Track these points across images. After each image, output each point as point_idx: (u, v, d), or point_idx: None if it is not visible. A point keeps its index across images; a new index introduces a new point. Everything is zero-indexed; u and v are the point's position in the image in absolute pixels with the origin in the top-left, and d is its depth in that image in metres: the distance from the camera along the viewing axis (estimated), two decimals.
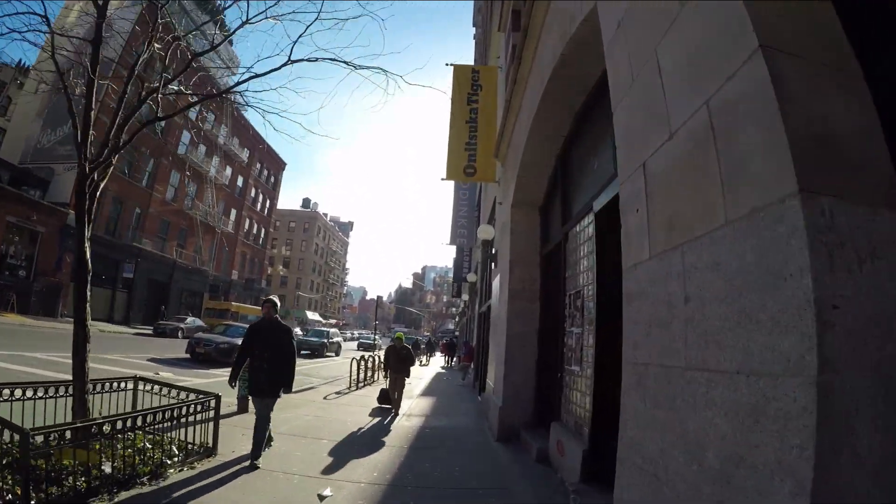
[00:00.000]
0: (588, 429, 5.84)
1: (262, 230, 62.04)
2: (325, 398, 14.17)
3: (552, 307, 9.02)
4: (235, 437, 8.33)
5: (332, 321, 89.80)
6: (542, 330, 9.37)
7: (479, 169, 13.19)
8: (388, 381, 13.01)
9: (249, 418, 9.15)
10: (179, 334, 31.31)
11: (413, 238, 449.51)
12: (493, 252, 12.55)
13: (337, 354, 33.48)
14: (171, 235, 44.46)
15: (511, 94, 9.46)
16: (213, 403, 7.36)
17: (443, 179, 13.17)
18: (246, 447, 7.44)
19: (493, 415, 9.87)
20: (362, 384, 17.64)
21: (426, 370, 30.73)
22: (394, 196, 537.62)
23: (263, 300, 7.69)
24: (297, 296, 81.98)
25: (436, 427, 10.93)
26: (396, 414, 12.00)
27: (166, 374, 15.26)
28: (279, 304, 7.81)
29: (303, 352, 31.55)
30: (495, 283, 12.44)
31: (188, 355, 20.18)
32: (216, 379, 15.44)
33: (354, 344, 55.08)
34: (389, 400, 12.67)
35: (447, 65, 14.47)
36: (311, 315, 75.74)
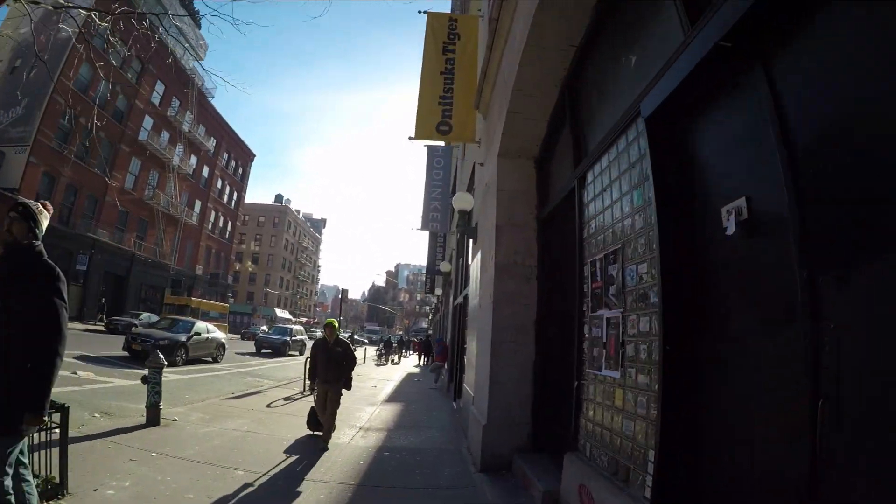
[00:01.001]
0: (652, 476, 3.33)
1: (229, 223, 58.69)
2: (269, 405, 11.54)
3: (558, 286, 6.58)
4: (116, 464, 5.77)
5: (304, 319, 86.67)
6: (543, 319, 6.87)
7: (455, 126, 10.66)
8: (314, 396, 8.69)
9: (157, 434, 7.67)
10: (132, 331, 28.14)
11: (387, 235, 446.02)
12: (474, 226, 10.05)
13: (301, 353, 30.69)
14: (129, 226, 41.21)
15: (500, 9, 6.97)
16: (57, 419, 4.75)
17: (410, 139, 10.61)
18: (125, 481, 5.15)
19: (475, 435, 7.28)
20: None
21: (396, 370, 28.13)
22: (368, 194, 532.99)
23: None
24: (265, 293, 78.62)
25: (399, 448, 8.29)
26: (325, 447, 7.77)
27: (85, 374, 12.63)
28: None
29: (263, 350, 28.97)
30: (474, 264, 9.92)
31: (126, 353, 17.40)
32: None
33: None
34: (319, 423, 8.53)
35: (420, 12, 11.94)
36: (281, 313, 72.44)
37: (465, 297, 12.96)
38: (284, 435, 8.51)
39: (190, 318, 21.07)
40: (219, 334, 21.18)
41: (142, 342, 17.26)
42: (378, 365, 33.66)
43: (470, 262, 11.29)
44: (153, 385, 8.50)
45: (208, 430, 8.46)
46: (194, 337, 18.71)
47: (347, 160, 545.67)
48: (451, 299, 18.04)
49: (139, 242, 42.13)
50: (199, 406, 10.73)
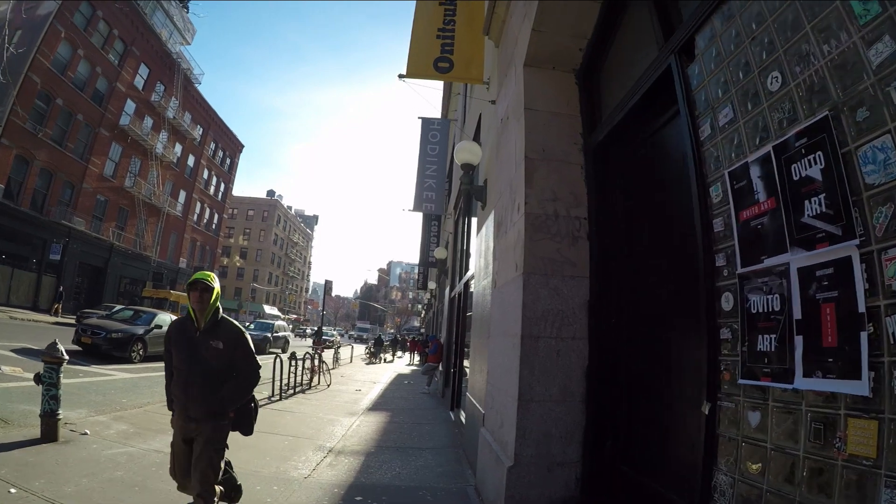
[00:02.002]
0: None
1: (216, 216, 55.83)
2: None
3: (625, 246, 4.32)
4: None
5: (293, 316, 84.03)
6: (601, 299, 4.48)
7: (457, 64, 8.33)
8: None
9: (44, 455, 5.49)
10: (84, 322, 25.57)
11: (379, 232, 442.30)
12: (482, 184, 7.65)
13: (284, 351, 28.27)
14: (108, 215, 38.55)
15: None
16: None
17: (401, 77, 8.25)
18: None
19: (494, 479, 4.76)
20: (292, 391, 12.67)
21: (386, 371, 25.67)
22: (360, 190, 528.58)
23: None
24: (253, 288, 75.81)
25: (378, 488, 5.79)
26: None
27: (10, 370, 10.27)
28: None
29: None
30: (480, 235, 7.51)
31: (78, 347, 14.93)
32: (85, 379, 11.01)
33: (310, 341, 50.26)
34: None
35: None
36: (269, 309, 69.65)
37: (466, 286, 10.60)
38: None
39: (153, 310, 18.52)
40: None
41: (92, 335, 14.81)
42: (369, 364, 31.32)
43: (474, 235, 8.91)
44: (48, 387, 6.18)
45: (120, 451, 6.11)
46: (155, 330, 16.18)
47: (339, 157, 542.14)
48: (447, 291, 15.65)
49: (119, 233, 39.47)
50: (131, 415, 8.35)
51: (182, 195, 47.96)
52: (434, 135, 17.09)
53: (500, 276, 5.63)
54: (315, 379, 14.77)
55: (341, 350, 27.23)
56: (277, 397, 11.43)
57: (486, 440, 5.39)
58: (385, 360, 37.14)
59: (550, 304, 4.42)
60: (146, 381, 12.43)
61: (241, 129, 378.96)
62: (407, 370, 28.17)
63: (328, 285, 20.40)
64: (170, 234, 46.31)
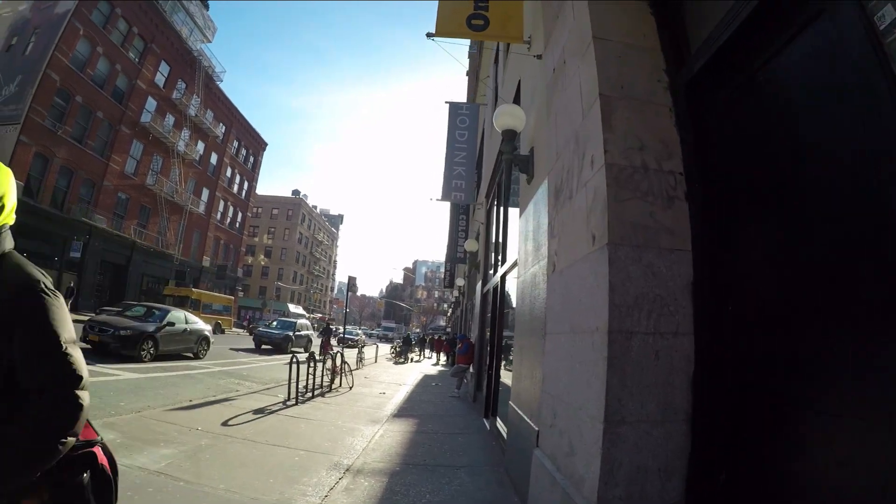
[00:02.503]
0: None
1: (240, 214, 55.21)
2: (227, 422, 8.02)
3: (741, 206, 3.04)
4: None
5: (318, 315, 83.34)
6: (708, 280, 3.23)
7: (493, 20, 7.11)
8: None
9: None
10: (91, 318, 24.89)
11: (406, 231, 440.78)
12: (529, 153, 6.38)
13: (306, 350, 27.34)
14: (130, 213, 38.05)
15: None
16: None
17: (429, 36, 7.05)
18: None
19: None
20: (311, 394, 11.59)
21: (412, 371, 24.55)
22: (387, 191, 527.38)
23: None
24: (277, 287, 75.17)
25: None
26: None
27: None
28: None
29: (263, 346, 25.60)
30: (531, 208, 6.13)
31: (87, 345, 14.03)
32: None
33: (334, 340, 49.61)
34: None
35: None
36: (294, 308, 68.85)
37: (503, 279, 9.35)
38: (214, 488, 4.95)
39: (167, 307, 17.58)
40: (202, 326, 17.71)
41: (100, 332, 13.91)
42: (397, 363, 30.28)
43: (515, 219, 7.67)
44: None
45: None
46: (167, 328, 15.24)
47: (364, 156, 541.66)
48: (478, 287, 14.40)
49: (140, 230, 38.95)
50: (124, 421, 7.28)
51: (205, 193, 47.39)
52: (462, 120, 15.92)
53: (561, 257, 4.38)
54: (336, 381, 13.67)
55: (366, 349, 26.04)
56: (293, 401, 10.32)
57: (543, 468, 4.16)
58: (413, 359, 36.22)
59: (645, 286, 3.16)
60: (152, 382, 11.44)
61: (265, 130, 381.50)
62: (434, 371, 26.99)
63: (351, 281, 19.41)
64: (193, 232, 45.74)
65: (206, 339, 17.62)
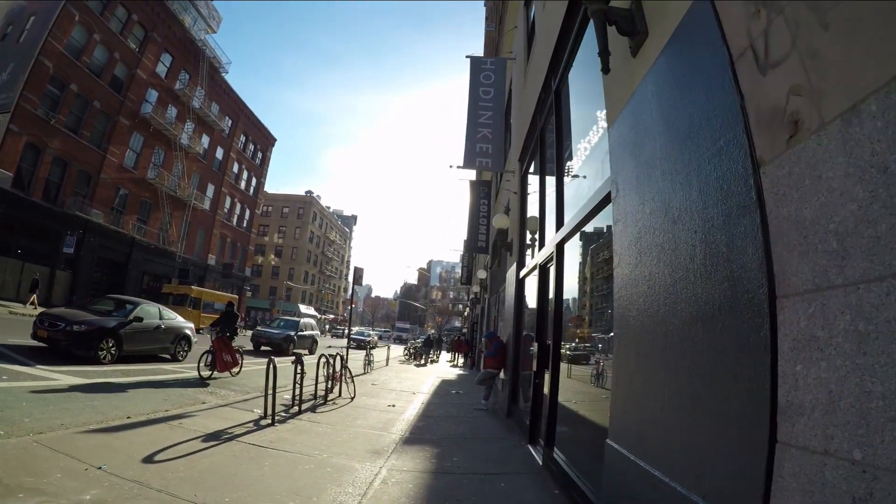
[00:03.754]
0: None
1: (247, 211, 52.54)
2: (153, 457, 5.18)
3: None
4: None
5: (331, 316, 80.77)
6: None
7: None
8: None
9: None
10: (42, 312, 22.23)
11: (420, 232, 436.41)
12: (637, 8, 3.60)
13: (311, 352, 24.57)
14: (129, 208, 35.63)
15: None
16: None
17: None
18: None
19: None
20: (297, 408, 8.83)
21: (427, 377, 21.58)
22: (401, 191, 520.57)
23: None
24: (286, 286, 72.21)
25: None
26: None
27: None
28: None
29: (262, 348, 22.87)
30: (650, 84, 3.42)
31: (41, 342, 11.43)
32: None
33: (345, 342, 47.02)
34: None
35: None
36: (305, 309, 66.17)
37: (560, 248, 6.51)
38: None
39: (139, 300, 14.75)
40: (181, 323, 14.88)
41: (50, 327, 11.24)
42: (414, 366, 27.56)
43: (609, 125, 4.82)
44: None
45: None
46: (133, 324, 12.48)
47: (377, 159, 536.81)
48: (512, 272, 11.52)
49: (141, 227, 36.52)
50: (6, 449, 4.64)
51: (210, 189, 44.87)
52: (487, 76, 13.11)
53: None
54: (336, 389, 10.90)
55: (375, 351, 23.22)
56: (269, 420, 7.52)
57: None
58: (432, 360, 33.59)
59: None
60: (95, 390, 8.72)
61: (278, 133, 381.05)
62: (451, 374, 24.06)
63: (358, 273, 16.58)
64: (197, 229, 43.27)
65: (187, 338, 14.84)
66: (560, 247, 6.47)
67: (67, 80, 30.58)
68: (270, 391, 7.64)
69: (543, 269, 7.71)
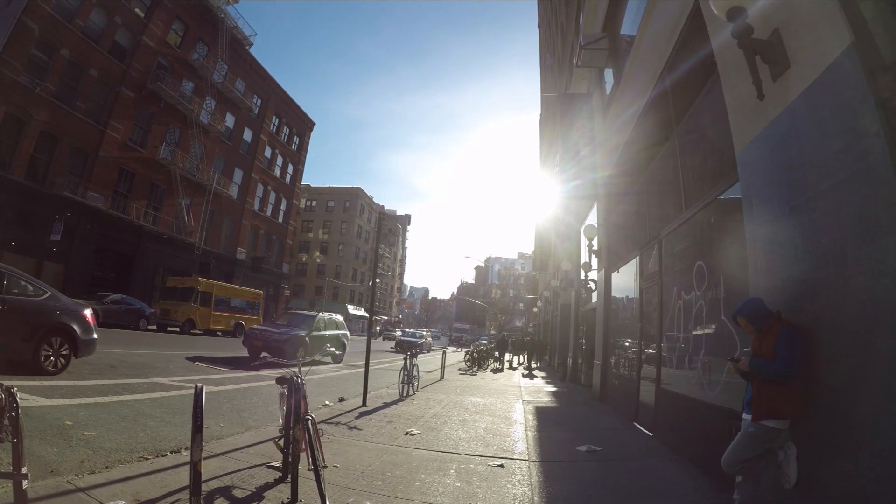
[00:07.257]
0: None
1: (284, 201, 46.37)
2: None
3: None
4: None
5: (384, 318, 74.42)
6: None
7: None
8: None
9: None
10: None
11: (478, 228, 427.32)
12: None
13: (334, 360, 17.81)
14: (137, 192, 29.86)
15: None
16: None
17: None
18: None
19: None
20: None
21: (504, 396, 13.74)
22: (455, 188, 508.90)
23: None
24: (328, 283, 64.56)
25: None
26: None
27: None
28: None
29: (263, 355, 16.04)
30: None
31: None
32: None
33: (392, 343, 40.36)
34: None
35: None
36: (354, 310, 59.84)
37: None
38: None
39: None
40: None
41: None
42: (495, 372, 21.05)
43: None
44: None
45: None
46: None
47: (431, 160, 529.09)
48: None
49: (152, 214, 30.85)
50: None
51: (238, 174, 38.98)
52: None
53: None
54: (310, 457, 3.91)
55: (423, 357, 14.28)
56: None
57: None
58: (511, 365, 26.60)
59: None
60: None
61: (331, 142, 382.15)
62: (536, 388, 15.77)
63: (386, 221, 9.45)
64: (222, 218, 37.40)
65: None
66: None
67: (57, 45, 25.11)
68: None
69: None
